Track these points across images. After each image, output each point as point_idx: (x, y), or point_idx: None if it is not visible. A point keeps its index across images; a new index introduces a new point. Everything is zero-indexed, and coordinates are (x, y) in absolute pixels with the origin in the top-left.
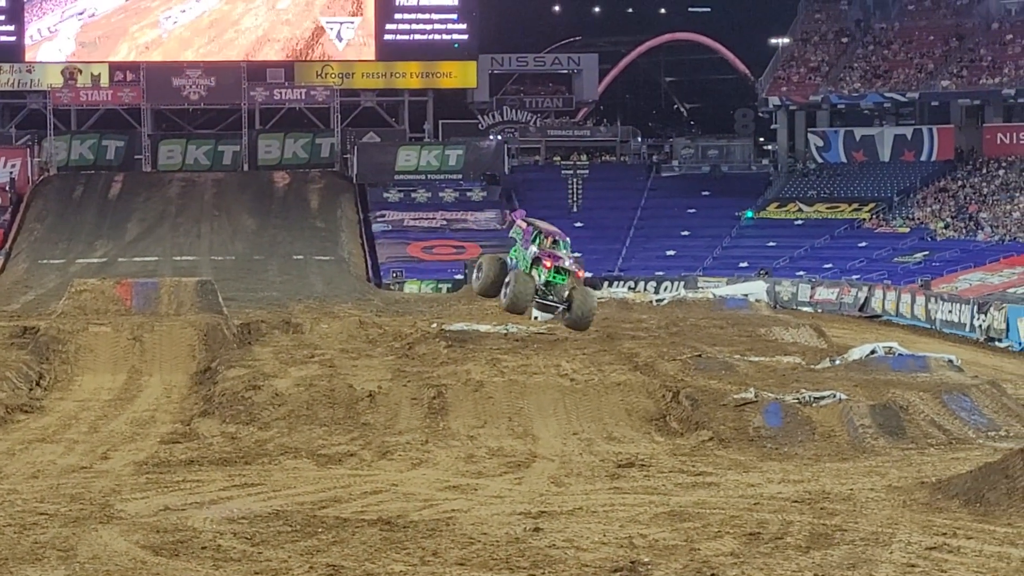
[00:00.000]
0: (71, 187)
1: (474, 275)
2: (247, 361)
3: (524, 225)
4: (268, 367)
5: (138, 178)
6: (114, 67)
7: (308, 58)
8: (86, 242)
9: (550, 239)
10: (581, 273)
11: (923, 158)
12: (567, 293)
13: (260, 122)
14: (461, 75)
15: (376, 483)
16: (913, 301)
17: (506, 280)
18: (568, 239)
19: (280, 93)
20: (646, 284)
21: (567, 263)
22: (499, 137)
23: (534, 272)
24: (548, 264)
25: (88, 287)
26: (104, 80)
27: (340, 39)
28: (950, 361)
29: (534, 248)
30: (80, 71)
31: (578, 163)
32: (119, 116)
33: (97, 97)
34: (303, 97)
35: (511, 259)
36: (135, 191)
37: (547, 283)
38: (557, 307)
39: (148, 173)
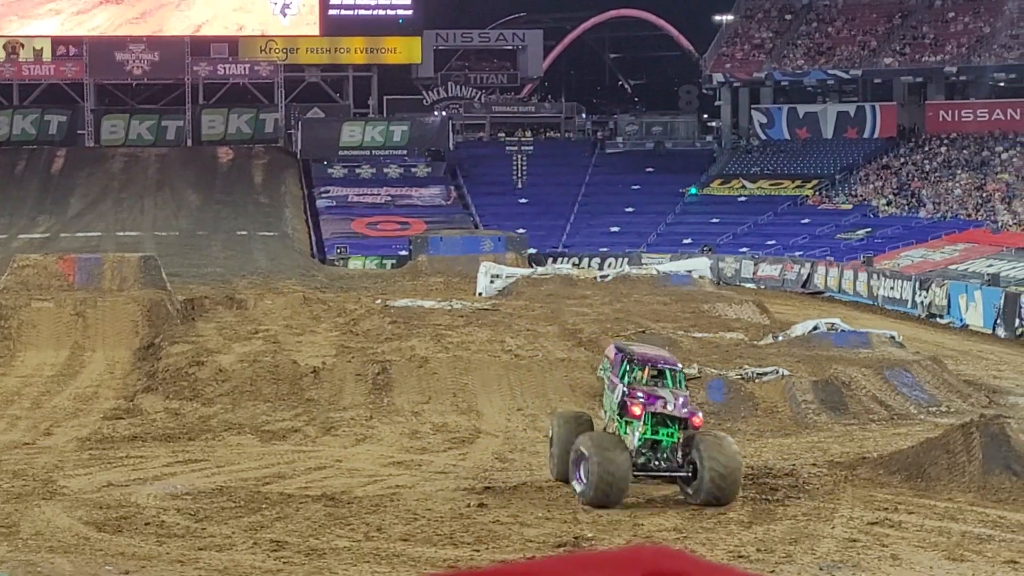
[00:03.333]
0: (13, 162)
1: (550, 452)
2: (191, 337)
3: (611, 353)
4: (212, 343)
5: (81, 153)
6: (56, 41)
7: (252, 33)
8: (28, 217)
9: (647, 370)
10: (699, 420)
11: (866, 135)
12: (683, 453)
13: (204, 97)
14: (406, 51)
15: (320, 459)
16: (855, 277)
17: (576, 452)
18: (680, 367)
19: (224, 68)
20: (590, 260)
21: (671, 406)
22: (444, 113)
23: (628, 430)
24: (638, 411)
25: (30, 262)
26: (46, 54)
27: (284, 14)
28: (892, 337)
29: (622, 388)
30: (22, 45)
31: (523, 139)
32: (61, 91)
33: (39, 71)
34: (247, 72)
35: (604, 414)
36: (78, 166)
37: (649, 443)
38: (673, 476)
39: (91, 148)
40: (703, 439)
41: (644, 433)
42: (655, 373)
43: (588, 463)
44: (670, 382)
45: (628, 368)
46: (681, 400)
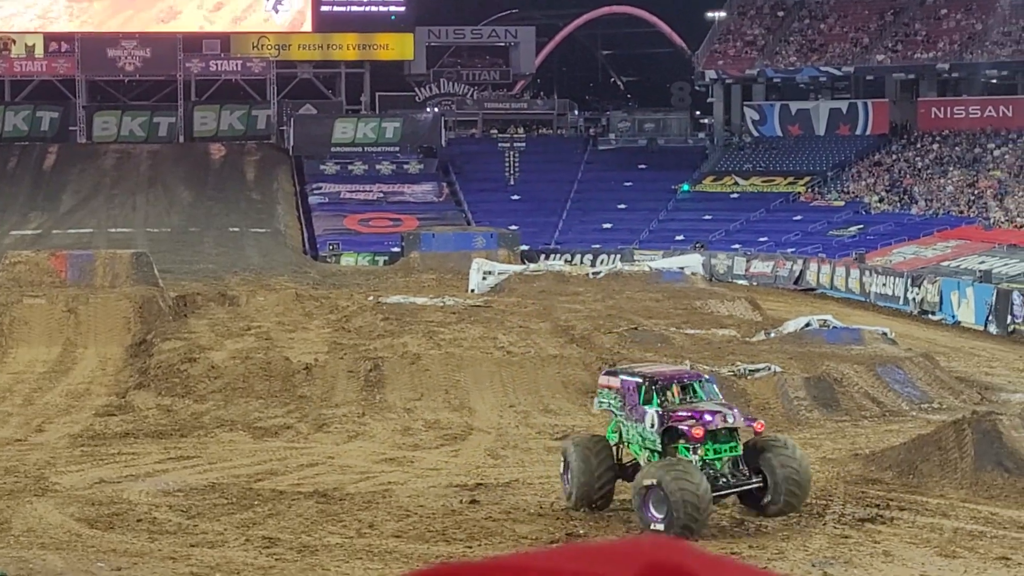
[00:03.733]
0: (5, 158)
1: (563, 478)
2: (183, 334)
3: (616, 383)
4: (204, 340)
5: (73, 149)
6: (49, 38)
7: (244, 30)
8: (20, 214)
9: (676, 388)
10: (761, 425)
11: (858, 132)
12: (746, 464)
13: (196, 94)
14: (398, 47)
15: (312, 456)
16: (847, 274)
17: (642, 483)
18: (707, 376)
19: (216, 64)
20: (583, 257)
21: (731, 418)
22: (436, 110)
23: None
24: (699, 432)
25: (22, 259)
26: (39, 51)
27: (277, 11)
28: (884, 334)
29: (653, 412)
30: (14, 41)
31: (515, 136)
32: (53, 87)
33: (31, 68)
34: (239, 68)
35: (624, 445)
36: (70, 162)
37: (711, 462)
38: (747, 489)
39: (83, 144)
40: (769, 445)
41: (705, 454)
42: (682, 388)
43: (663, 493)
44: (702, 394)
45: (653, 391)
46: (735, 410)
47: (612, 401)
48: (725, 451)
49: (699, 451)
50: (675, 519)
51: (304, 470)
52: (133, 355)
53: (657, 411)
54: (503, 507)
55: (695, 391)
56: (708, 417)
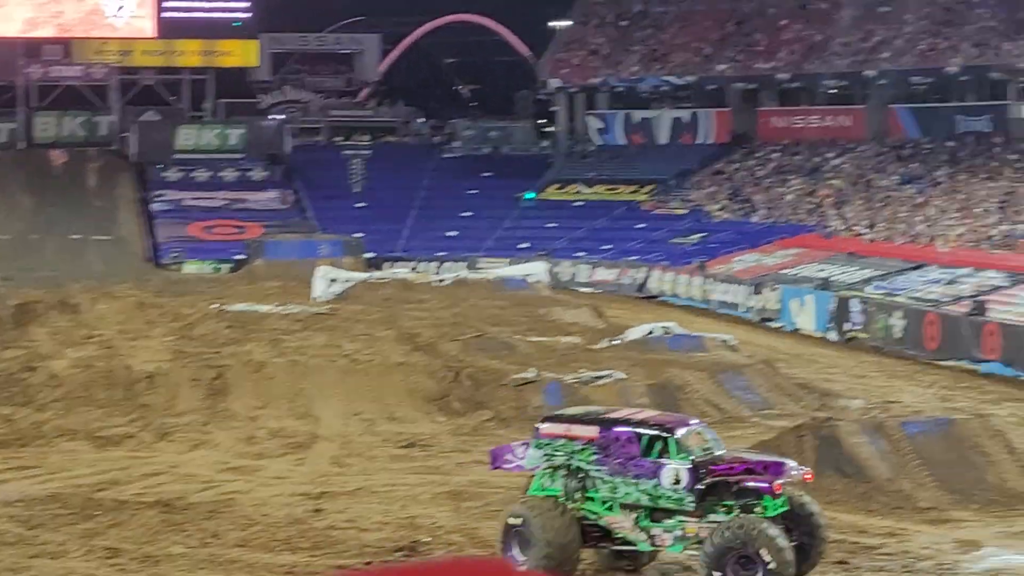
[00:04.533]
0: None
1: (509, 556)
2: (22, 342)
3: (587, 432)
4: (44, 348)
5: None
6: None
7: (86, 35)
8: None
9: (695, 435)
10: (811, 475)
11: (700, 141)
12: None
13: (36, 99)
14: (242, 53)
15: (155, 465)
16: (690, 282)
17: (739, 545)
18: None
19: (57, 70)
20: (428, 265)
21: (795, 469)
22: (281, 116)
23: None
24: (778, 487)
25: None
26: None
27: (119, 16)
28: (725, 341)
29: (678, 466)
30: None
31: (360, 143)
32: None
33: None
34: (81, 74)
35: (565, 500)
36: None
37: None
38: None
39: None
40: (799, 501)
41: (764, 511)
42: (697, 435)
43: (755, 557)
44: (712, 442)
45: (667, 442)
46: (790, 459)
47: (574, 454)
48: (779, 507)
49: (756, 509)
50: None
51: (147, 479)
52: None
53: (685, 465)
54: (348, 515)
55: (703, 436)
56: (772, 468)
